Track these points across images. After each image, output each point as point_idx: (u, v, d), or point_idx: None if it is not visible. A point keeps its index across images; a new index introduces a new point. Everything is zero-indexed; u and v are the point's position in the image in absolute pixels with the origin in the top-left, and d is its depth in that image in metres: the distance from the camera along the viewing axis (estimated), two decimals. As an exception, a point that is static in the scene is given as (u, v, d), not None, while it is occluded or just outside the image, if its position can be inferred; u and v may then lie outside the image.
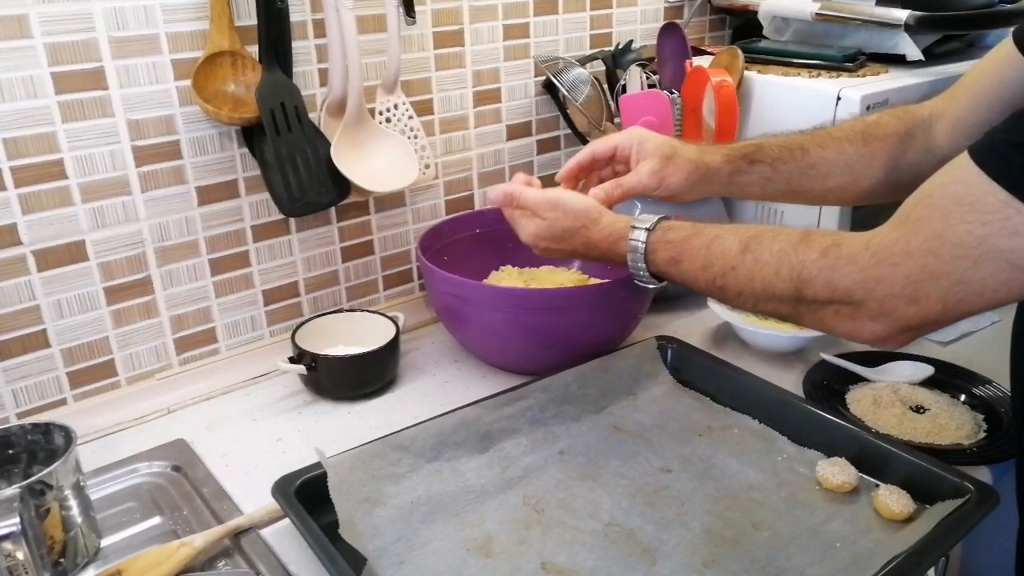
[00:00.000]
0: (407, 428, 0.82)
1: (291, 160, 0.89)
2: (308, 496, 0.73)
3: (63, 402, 0.91)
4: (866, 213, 1.13)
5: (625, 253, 0.78)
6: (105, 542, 0.76)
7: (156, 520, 0.79)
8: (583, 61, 1.17)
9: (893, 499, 0.75)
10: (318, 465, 0.75)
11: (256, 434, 0.91)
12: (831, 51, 1.15)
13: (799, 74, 1.12)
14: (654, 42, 1.18)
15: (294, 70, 0.94)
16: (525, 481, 0.81)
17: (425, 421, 0.83)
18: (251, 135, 0.92)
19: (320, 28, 0.96)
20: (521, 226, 0.84)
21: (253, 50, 0.90)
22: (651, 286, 0.80)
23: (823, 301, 0.63)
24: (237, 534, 0.75)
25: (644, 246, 0.76)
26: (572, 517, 0.76)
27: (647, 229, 0.76)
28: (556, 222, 0.81)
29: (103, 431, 0.91)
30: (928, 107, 0.83)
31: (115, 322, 0.92)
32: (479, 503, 0.78)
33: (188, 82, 0.87)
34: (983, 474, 0.81)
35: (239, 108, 0.88)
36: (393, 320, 1.01)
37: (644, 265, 0.77)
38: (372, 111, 1.01)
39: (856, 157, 0.83)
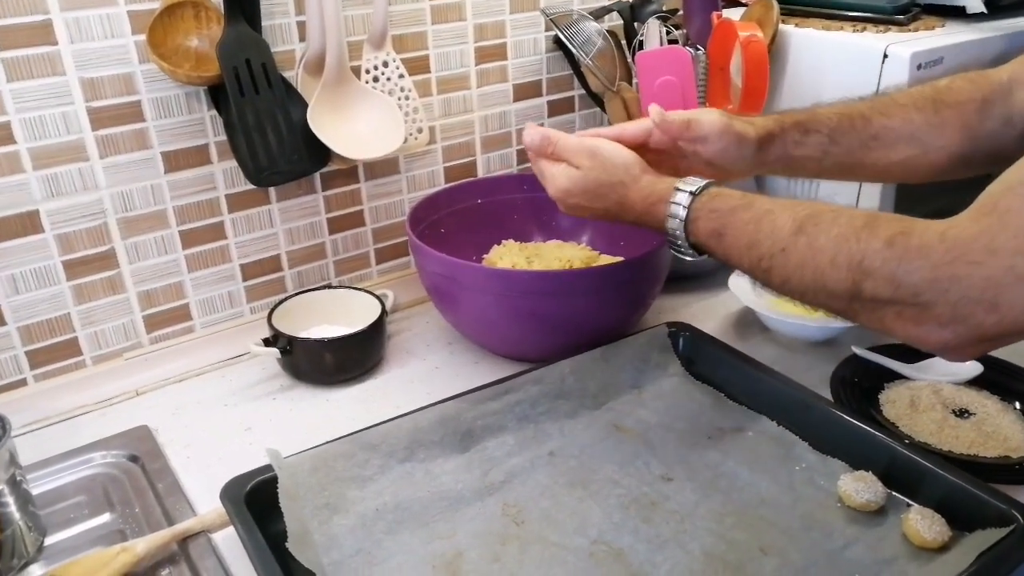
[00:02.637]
0: (379, 424, 0.74)
1: (258, 125, 0.80)
2: (264, 500, 0.66)
3: (23, 383, 0.85)
4: (914, 195, 1.01)
5: (663, 218, 0.68)
6: (50, 540, 0.71)
7: (105, 517, 0.73)
8: (597, 14, 1.05)
9: (925, 524, 0.65)
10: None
11: (225, 422, 0.84)
12: (879, 1, 1.02)
13: (842, 27, 0.99)
14: (679, -8, 1.06)
15: (268, 23, 0.86)
16: (507, 487, 0.73)
17: (399, 416, 0.75)
18: (218, 96, 0.83)
19: (298, -25, 0.87)
20: (550, 176, 0.74)
21: (218, 0, 0.81)
22: (688, 258, 0.70)
23: (884, 300, 0.55)
24: (186, 538, 0.68)
25: (687, 212, 0.67)
26: (555, 531, 0.68)
27: (692, 193, 0.67)
28: (590, 173, 0.72)
29: (65, 414, 0.85)
30: (1007, 71, 0.72)
31: (77, 298, 0.85)
32: (453, 511, 0.70)
33: (144, 36, 0.78)
34: (1034, 495, 0.71)
35: (202, 65, 0.80)
36: (379, 298, 0.93)
37: (683, 234, 0.67)
38: (358, 69, 0.91)
39: (925, 127, 0.72)
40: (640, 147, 0.76)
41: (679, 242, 0.68)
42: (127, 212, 0.86)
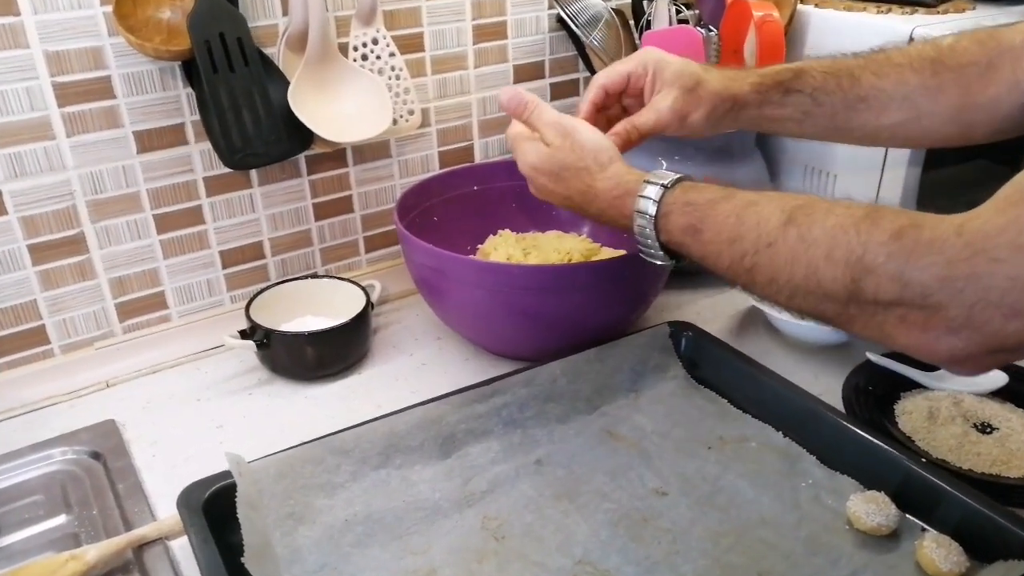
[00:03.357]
0: (352, 427, 0.69)
1: (232, 103, 0.75)
2: (226, 508, 0.62)
3: (-12, 371, 0.81)
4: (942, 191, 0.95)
5: (630, 213, 0.63)
6: (3, 541, 0.66)
7: (61, 519, 0.68)
8: (604, -10, 0.99)
9: (942, 554, 0.59)
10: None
11: (196, 418, 0.80)
12: (907, -19, 0.95)
13: (865, 8, 0.93)
14: (693, -31, 1.00)
15: (249, -6, 0.80)
16: (489, 497, 0.68)
17: (375, 419, 0.70)
18: (192, 72, 0.78)
19: (281, -57, 0.81)
20: (521, 151, 0.70)
21: (193, -31, 0.75)
22: (658, 263, 0.64)
23: (886, 301, 0.48)
24: (142, 545, 0.64)
25: (656, 207, 0.61)
26: (537, 549, 0.63)
27: (663, 186, 0.61)
28: (557, 153, 0.67)
29: (32, 405, 0.81)
30: (1020, 31, 0.65)
31: (43, 284, 0.81)
32: (429, 523, 0.65)
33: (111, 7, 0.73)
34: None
35: (173, 39, 0.74)
36: (365, 290, 0.88)
37: (653, 232, 0.62)
38: (346, 47, 0.86)
39: (920, 89, 0.66)
40: (622, 92, 0.74)
41: (649, 241, 0.63)
42: (97, 194, 0.81)
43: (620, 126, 0.71)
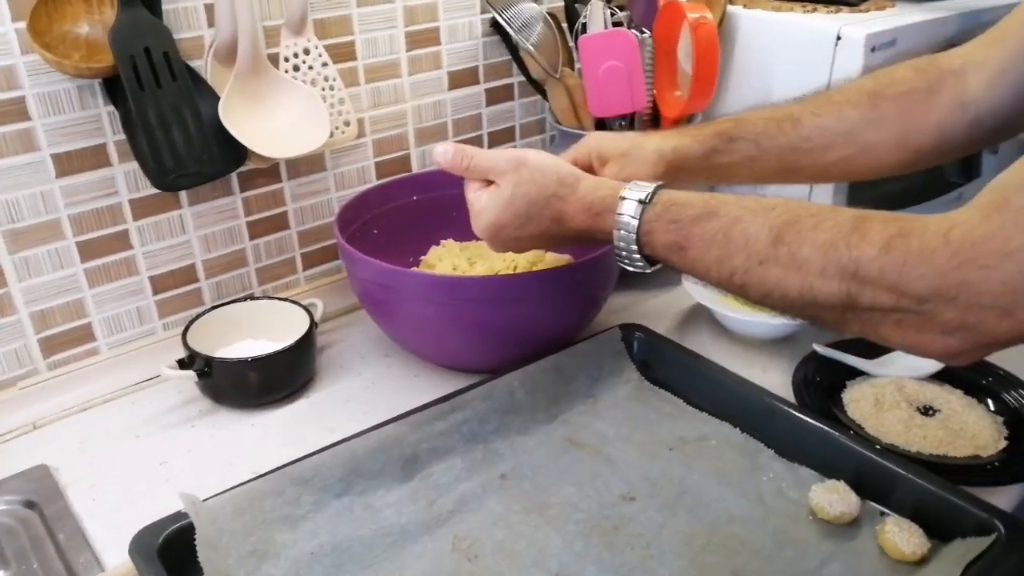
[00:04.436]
0: (311, 455, 0.66)
1: (161, 121, 0.71)
2: (182, 551, 0.58)
3: (-102, 421, 0.75)
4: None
5: (611, 230, 0.61)
6: (-67, 606, 0.61)
7: (-2, 576, 0.64)
8: (538, -6, 0.99)
9: (903, 537, 0.61)
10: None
11: (137, 456, 0.75)
12: (828, -19, 0.98)
13: (792, 9, 0.95)
14: (621, -29, 1.01)
15: (171, 6, 0.76)
16: (457, 517, 0.66)
17: (334, 444, 0.68)
18: (115, 89, 0.74)
19: (202, -48, 0.77)
20: (474, 212, 0.68)
21: (110, -19, 0.71)
22: (645, 271, 0.63)
23: (883, 309, 0.49)
24: (93, 598, 0.60)
25: (637, 224, 0.60)
26: (512, 566, 0.62)
27: (640, 202, 0.60)
28: (518, 190, 0.64)
29: (-50, 454, 0.75)
30: (959, 55, 0.68)
31: (-43, 323, 0.75)
32: (398, 549, 0.63)
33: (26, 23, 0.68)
34: (1006, 497, 0.68)
35: (94, 56, 0.70)
36: (307, 310, 0.85)
37: (636, 247, 0.61)
38: (276, 58, 0.83)
39: (861, 123, 0.68)
40: None
41: (631, 255, 0.61)
42: (13, 223, 0.75)
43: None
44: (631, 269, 0.63)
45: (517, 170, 0.64)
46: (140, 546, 0.58)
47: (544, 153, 0.66)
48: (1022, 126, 0.67)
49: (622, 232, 0.60)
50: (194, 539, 0.59)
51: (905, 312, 0.49)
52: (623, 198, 0.60)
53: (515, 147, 1.14)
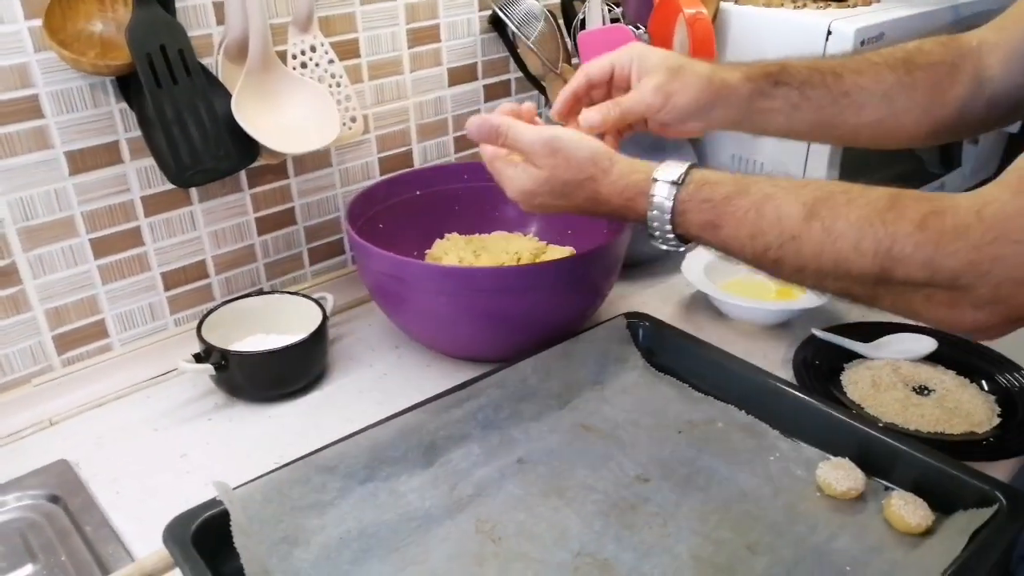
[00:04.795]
0: (334, 444, 0.68)
1: (178, 118, 0.72)
2: (213, 538, 0.59)
3: (-86, 419, 0.75)
4: (860, 164, 1.01)
5: (644, 212, 0.62)
6: (-36, 600, 0.62)
7: (28, 569, 0.64)
8: (535, -9, 1.01)
9: (909, 510, 0.64)
10: (224, 499, 0.61)
11: (156, 449, 0.76)
12: (816, -22, 1.01)
13: (783, 4, 0.98)
14: (616, -31, 1.03)
15: (182, 4, 0.77)
16: (477, 501, 0.68)
17: (355, 434, 0.69)
18: (129, 86, 0.74)
19: (212, -49, 0.78)
20: (507, 178, 0.67)
21: (124, -21, 0.72)
22: (678, 250, 0.64)
23: (916, 283, 0.51)
24: (128, 587, 0.61)
25: (671, 205, 0.60)
26: (535, 546, 0.63)
27: (674, 183, 0.60)
28: (555, 172, 0.64)
29: (-33, 452, 0.75)
30: (976, 36, 0.70)
31: (-27, 321, 0.75)
32: (423, 532, 0.65)
33: (40, 21, 0.69)
34: (1001, 471, 0.71)
35: (109, 53, 0.71)
36: (319, 303, 0.86)
37: (670, 227, 0.61)
38: (284, 55, 0.84)
39: (897, 86, 0.69)
40: (607, 83, 0.72)
41: (667, 235, 0.62)
42: (28, 221, 0.76)
43: (605, 104, 0.70)
44: (664, 247, 0.64)
45: (554, 155, 0.64)
46: (174, 534, 0.59)
47: (577, 133, 0.66)
48: None
49: (655, 213, 0.61)
50: (225, 527, 0.60)
51: (937, 287, 0.50)
52: (656, 180, 0.61)
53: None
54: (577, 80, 0.73)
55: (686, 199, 0.60)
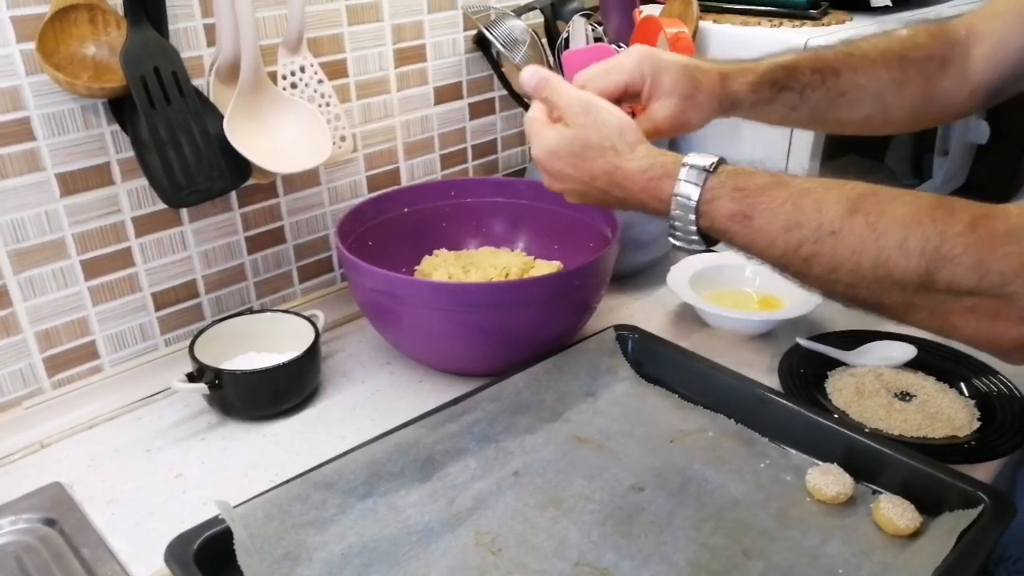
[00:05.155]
0: (332, 460, 0.68)
1: (172, 139, 0.72)
2: (214, 557, 0.60)
3: (-97, 445, 0.74)
4: (833, 169, 1.04)
5: (667, 197, 0.58)
6: (-41, 627, 0.61)
7: (23, 594, 0.64)
8: (519, 12, 1.03)
9: (897, 512, 0.66)
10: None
11: (150, 470, 0.76)
12: (791, -3, 1.04)
13: (759, 23, 1.01)
14: (597, -11, 1.05)
15: (173, 27, 0.77)
16: (476, 514, 0.69)
17: (353, 450, 0.70)
18: (121, 108, 0.75)
19: (202, -26, 0.79)
20: (539, 135, 0.64)
21: (117, 3, 0.72)
22: (694, 248, 0.60)
23: (960, 291, 0.48)
24: (127, 609, 0.61)
25: (700, 192, 0.56)
26: (535, 557, 0.64)
27: (705, 169, 0.57)
28: (580, 132, 0.62)
29: (-42, 477, 0.74)
30: (964, 24, 0.70)
31: (-37, 344, 0.75)
32: (424, 546, 0.65)
33: (33, 44, 0.69)
34: (983, 473, 0.73)
35: (102, 76, 0.71)
36: (311, 321, 0.86)
37: (694, 218, 0.57)
38: (274, 75, 0.84)
39: (889, 84, 0.70)
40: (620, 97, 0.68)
41: (684, 226, 0.58)
42: (19, 243, 0.76)
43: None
44: (680, 245, 0.61)
45: (586, 112, 0.62)
46: (176, 554, 0.59)
47: (617, 108, 0.63)
48: (1008, 95, 0.71)
49: (680, 199, 0.57)
50: (225, 545, 0.60)
51: (983, 296, 0.48)
52: (685, 164, 0.58)
53: (495, 156, 1.18)
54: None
55: (717, 186, 0.56)
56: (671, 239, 0.61)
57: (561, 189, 0.66)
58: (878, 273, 0.51)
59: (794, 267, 0.55)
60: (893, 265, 0.50)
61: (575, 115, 0.62)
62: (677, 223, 0.58)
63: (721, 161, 0.58)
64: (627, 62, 0.67)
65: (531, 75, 0.65)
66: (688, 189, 0.57)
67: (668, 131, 0.68)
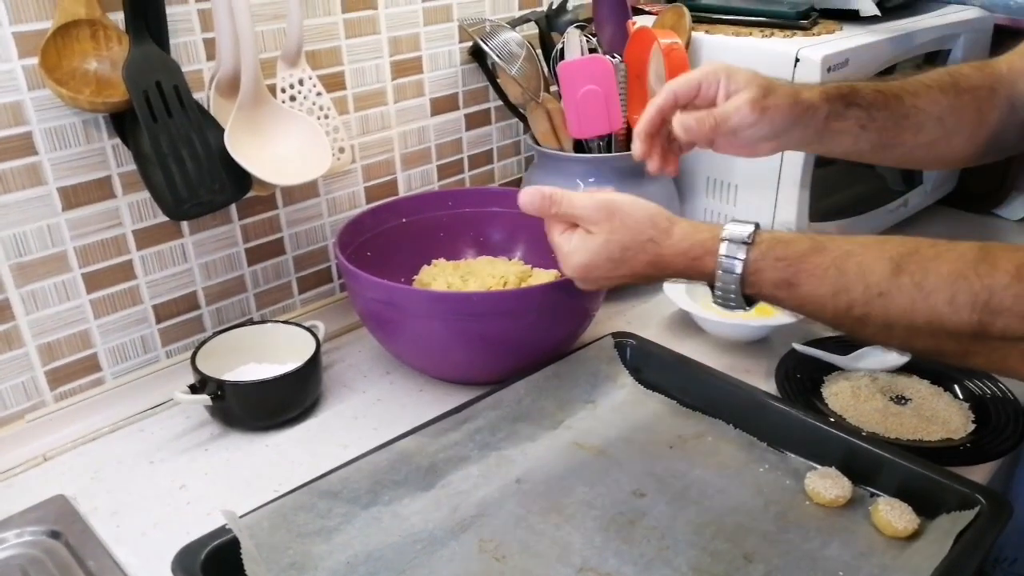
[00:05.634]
0: (336, 469, 0.69)
1: (174, 152, 0.73)
2: (221, 567, 0.60)
3: (-94, 459, 0.74)
4: (824, 177, 1.05)
5: (713, 272, 0.61)
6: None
7: (30, 607, 0.64)
8: (514, 24, 1.04)
9: (895, 514, 0.67)
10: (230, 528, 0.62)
11: (154, 481, 0.76)
12: (782, 7, 1.06)
13: (751, 34, 1.02)
14: (591, 0, 1.06)
15: (173, 41, 0.78)
16: (480, 521, 0.69)
17: (356, 459, 0.70)
18: (123, 122, 0.75)
19: (202, -11, 0.80)
20: (565, 253, 0.66)
21: (118, 18, 0.73)
22: (739, 310, 0.62)
23: (1015, 338, 0.50)
24: (134, 620, 0.61)
25: (743, 265, 0.59)
26: (539, 563, 0.65)
27: (745, 243, 0.59)
28: (612, 236, 0.63)
29: (-39, 491, 0.75)
30: (1005, 62, 0.73)
31: (-35, 358, 0.75)
32: (428, 554, 0.66)
33: (35, 60, 0.70)
34: (978, 475, 0.74)
35: (104, 90, 0.72)
36: (311, 331, 0.87)
37: (739, 287, 0.60)
38: (273, 88, 0.85)
39: (949, 109, 0.72)
40: (692, 101, 0.70)
41: (732, 295, 0.61)
42: (21, 257, 0.76)
43: (700, 112, 0.68)
44: (726, 309, 0.63)
45: (610, 219, 0.64)
46: (183, 564, 0.59)
47: (632, 197, 0.65)
48: None
49: (723, 273, 0.60)
50: (232, 556, 0.61)
51: None
52: (724, 239, 0.60)
53: (491, 166, 1.18)
54: (664, 97, 0.71)
55: (759, 258, 0.59)
56: (714, 303, 0.63)
57: (602, 288, 0.68)
58: (932, 328, 0.53)
59: (848, 326, 0.57)
60: (946, 320, 0.52)
61: (598, 221, 0.64)
62: (720, 292, 0.61)
63: (757, 229, 0.60)
64: (701, 68, 0.70)
65: (529, 198, 0.66)
66: (731, 264, 0.59)
67: (749, 118, 0.67)
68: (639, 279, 0.66)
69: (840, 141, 0.71)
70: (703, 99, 0.70)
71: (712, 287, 0.62)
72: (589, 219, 0.64)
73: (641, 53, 1.00)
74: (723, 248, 0.60)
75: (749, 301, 0.61)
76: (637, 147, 0.73)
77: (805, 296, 0.58)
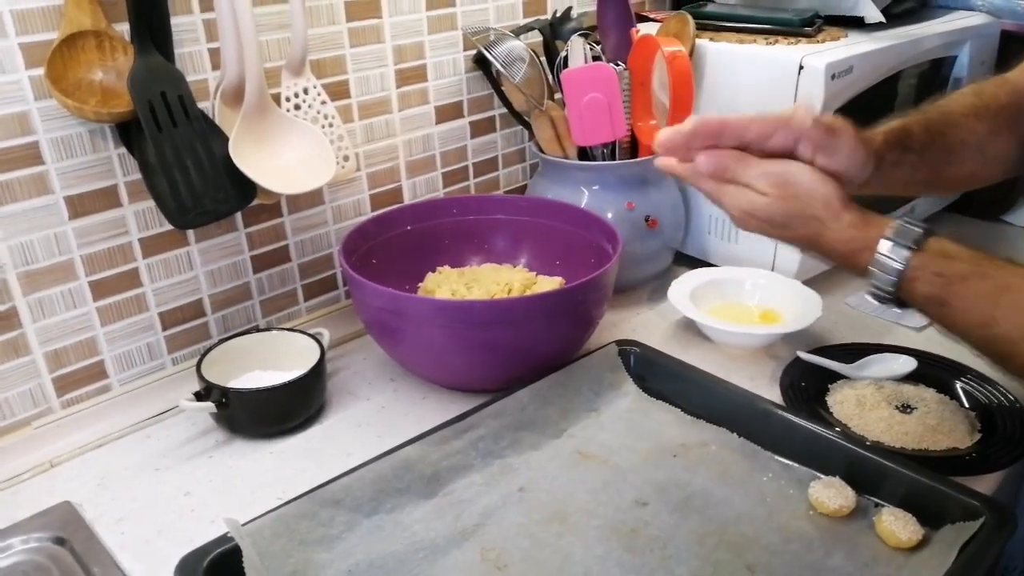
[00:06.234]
0: (338, 477, 0.69)
1: (179, 161, 0.73)
2: (223, 574, 0.60)
3: (-86, 465, 0.75)
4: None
5: (866, 269, 0.61)
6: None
7: (35, 613, 0.65)
8: (517, 32, 1.04)
9: (899, 525, 0.66)
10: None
11: (159, 489, 0.76)
12: (786, 14, 1.05)
13: (755, 41, 1.02)
14: (595, 8, 1.06)
15: (178, 51, 0.79)
16: (482, 530, 0.69)
17: (359, 467, 0.70)
18: (129, 132, 0.76)
19: (206, -1, 0.81)
20: (728, 195, 0.63)
21: (123, 29, 0.74)
22: (891, 308, 0.62)
23: None
24: (137, 628, 0.61)
25: (903, 271, 0.59)
26: (541, 572, 0.65)
27: (910, 247, 0.58)
28: (779, 203, 0.61)
29: (-32, 497, 0.75)
30: (1021, 70, 0.73)
31: (-27, 366, 0.76)
32: (430, 562, 0.66)
33: (42, 70, 0.70)
34: (984, 485, 0.73)
35: (110, 101, 0.72)
36: (316, 339, 0.87)
37: (892, 290, 0.59)
38: (277, 97, 0.86)
39: (986, 135, 0.72)
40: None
41: (884, 293, 0.60)
42: (28, 265, 0.77)
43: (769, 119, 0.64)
44: (878, 303, 0.62)
45: (784, 187, 0.61)
46: (186, 571, 0.60)
47: (816, 172, 0.62)
48: None
49: (878, 272, 0.60)
50: (235, 563, 0.61)
51: None
52: (890, 239, 0.59)
53: (496, 174, 1.19)
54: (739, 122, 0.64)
55: (918, 267, 0.58)
56: (868, 296, 0.62)
57: (755, 233, 0.65)
58: None
59: (990, 356, 0.58)
60: None
61: (772, 187, 0.61)
62: (873, 288, 0.61)
63: (928, 233, 0.59)
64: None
65: (707, 159, 0.62)
66: (889, 266, 0.59)
67: (815, 140, 0.63)
68: (797, 245, 0.65)
69: (893, 183, 0.71)
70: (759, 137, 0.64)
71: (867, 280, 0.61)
72: (759, 184, 0.62)
73: (645, 61, 1.00)
74: (883, 247, 0.59)
75: (902, 304, 0.61)
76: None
77: (953, 318, 0.58)
